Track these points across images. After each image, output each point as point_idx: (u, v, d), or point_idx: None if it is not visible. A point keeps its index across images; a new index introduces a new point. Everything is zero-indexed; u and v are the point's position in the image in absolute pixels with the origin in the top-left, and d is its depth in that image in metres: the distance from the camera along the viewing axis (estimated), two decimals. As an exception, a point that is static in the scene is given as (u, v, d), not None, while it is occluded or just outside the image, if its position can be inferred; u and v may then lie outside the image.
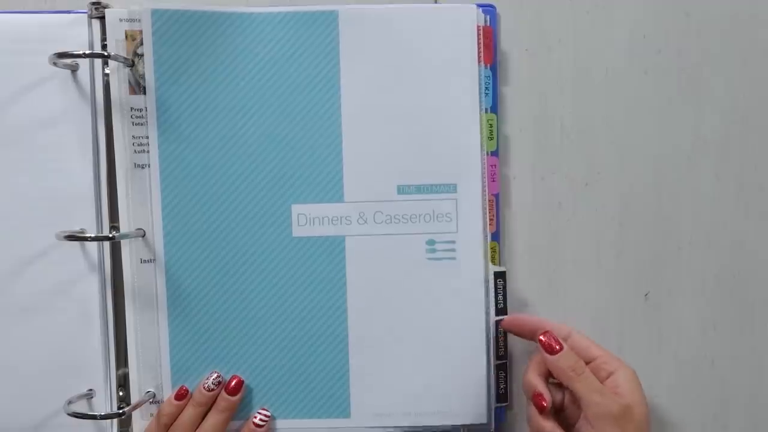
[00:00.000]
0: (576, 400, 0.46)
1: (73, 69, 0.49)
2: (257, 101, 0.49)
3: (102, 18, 0.49)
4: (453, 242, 0.50)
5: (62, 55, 0.47)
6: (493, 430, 0.52)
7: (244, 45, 0.49)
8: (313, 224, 0.50)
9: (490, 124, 0.51)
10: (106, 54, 0.48)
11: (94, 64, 0.49)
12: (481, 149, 0.50)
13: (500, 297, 0.51)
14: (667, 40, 0.54)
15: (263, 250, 0.50)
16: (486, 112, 0.51)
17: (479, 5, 0.51)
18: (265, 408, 0.50)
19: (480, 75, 0.50)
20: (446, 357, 0.50)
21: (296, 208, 0.50)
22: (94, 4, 0.49)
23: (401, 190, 0.50)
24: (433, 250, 0.50)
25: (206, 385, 0.49)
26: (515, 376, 0.53)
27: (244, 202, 0.49)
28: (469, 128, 0.50)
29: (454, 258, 0.50)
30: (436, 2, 0.52)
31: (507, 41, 0.53)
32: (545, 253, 0.54)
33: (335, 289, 0.50)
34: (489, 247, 0.51)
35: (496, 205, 0.52)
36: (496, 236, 0.52)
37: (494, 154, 0.52)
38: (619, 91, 0.54)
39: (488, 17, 0.51)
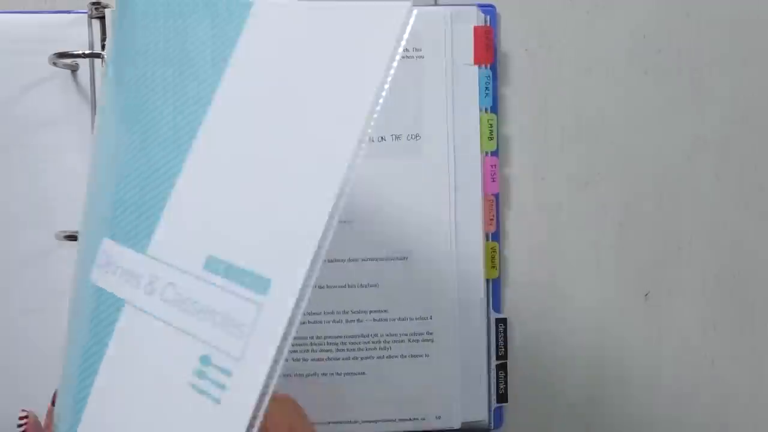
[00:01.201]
0: None
1: (73, 69, 0.49)
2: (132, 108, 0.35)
3: (102, 18, 0.49)
4: (228, 373, 0.27)
5: (62, 55, 0.47)
6: (492, 429, 0.52)
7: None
8: (108, 273, 0.34)
9: (490, 124, 0.51)
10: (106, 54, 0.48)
11: (94, 64, 0.49)
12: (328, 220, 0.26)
13: None
14: (667, 40, 0.54)
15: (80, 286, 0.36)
16: (486, 112, 0.51)
17: (479, 5, 0.51)
18: (25, 409, 0.40)
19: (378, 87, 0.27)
20: None
21: (106, 244, 0.34)
22: (94, 4, 0.49)
23: (210, 264, 0.30)
24: (202, 375, 0.29)
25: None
26: (515, 376, 0.53)
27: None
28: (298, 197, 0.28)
29: (218, 400, 0.27)
30: (436, 3, 0.52)
31: (507, 41, 0.53)
32: (545, 254, 0.54)
33: (83, 376, 0.34)
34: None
35: (496, 205, 0.52)
36: (496, 236, 0.52)
37: (494, 154, 0.52)
38: (619, 91, 0.54)
39: (488, 17, 0.51)
